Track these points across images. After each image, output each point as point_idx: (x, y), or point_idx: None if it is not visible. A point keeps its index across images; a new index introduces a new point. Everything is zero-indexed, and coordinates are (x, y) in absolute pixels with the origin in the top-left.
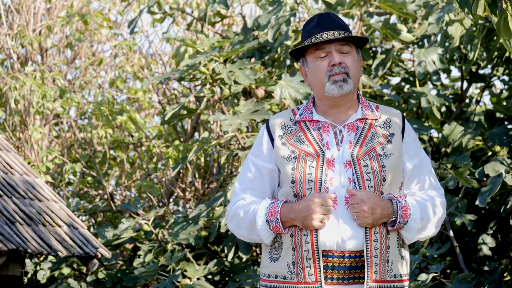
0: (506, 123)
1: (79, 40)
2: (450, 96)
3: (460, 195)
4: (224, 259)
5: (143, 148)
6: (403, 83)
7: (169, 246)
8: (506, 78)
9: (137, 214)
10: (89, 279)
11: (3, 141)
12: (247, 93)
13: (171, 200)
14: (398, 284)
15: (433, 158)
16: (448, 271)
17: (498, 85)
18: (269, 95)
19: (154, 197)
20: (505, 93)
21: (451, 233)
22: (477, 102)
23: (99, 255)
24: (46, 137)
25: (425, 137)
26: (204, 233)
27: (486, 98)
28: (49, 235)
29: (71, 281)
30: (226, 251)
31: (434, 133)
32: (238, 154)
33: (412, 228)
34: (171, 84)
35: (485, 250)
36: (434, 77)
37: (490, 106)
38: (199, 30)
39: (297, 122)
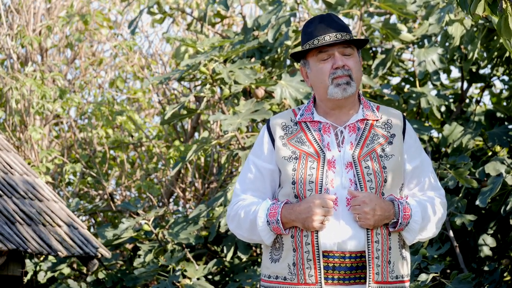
0: (506, 123)
1: (79, 40)
2: (450, 96)
3: (460, 195)
4: (224, 259)
5: (143, 148)
6: (403, 83)
7: (169, 246)
8: (506, 78)
9: (137, 214)
10: (89, 279)
11: (3, 141)
12: (247, 93)
13: (171, 200)
14: (400, 285)
15: (433, 158)
16: (448, 271)
17: (498, 85)
18: (269, 95)
19: (154, 197)
20: (505, 93)
21: (451, 233)
22: (477, 102)
23: (99, 255)
24: (46, 137)
25: (425, 137)
26: (204, 233)
27: (486, 98)
28: (49, 235)
29: (70, 281)
30: (225, 251)
31: (434, 133)
32: (238, 154)
33: (413, 229)
34: (171, 84)
35: (486, 251)
36: (434, 77)
37: (490, 106)
38: (199, 30)
39: (297, 123)
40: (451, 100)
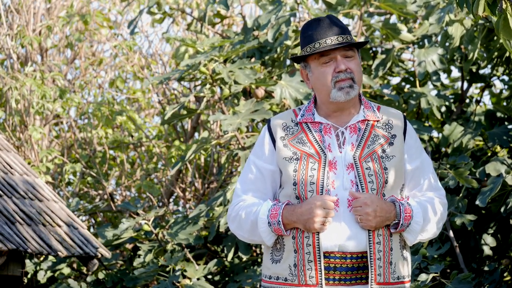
0: (506, 123)
1: (79, 40)
2: (450, 96)
3: (460, 195)
4: (224, 259)
5: (143, 148)
6: (403, 83)
7: (169, 246)
8: (506, 78)
9: (137, 214)
10: (89, 279)
11: (3, 141)
12: (247, 93)
13: (171, 200)
14: (401, 285)
15: (433, 158)
16: (448, 271)
17: (498, 85)
18: (269, 95)
19: (154, 197)
20: (505, 93)
21: (451, 233)
22: (477, 102)
23: (99, 255)
24: (46, 137)
25: (425, 137)
26: (204, 233)
27: (486, 98)
28: (49, 235)
29: (71, 281)
30: (226, 251)
31: (434, 133)
32: (238, 154)
33: (414, 230)
34: (171, 84)
35: (487, 251)
36: (434, 78)
37: (490, 106)
38: (199, 30)
39: (298, 123)
40: (451, 100)
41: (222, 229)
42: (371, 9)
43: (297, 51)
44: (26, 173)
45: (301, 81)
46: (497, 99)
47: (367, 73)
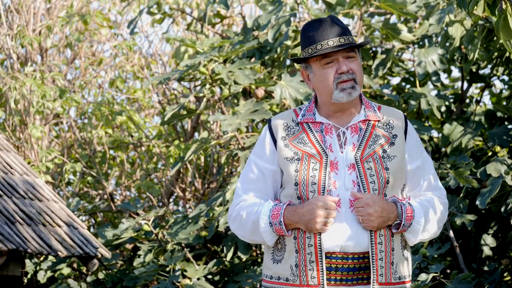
0: (506, 123)
1: (79, 40)
2: (450, 96)
3: (461, 195)
4: (224, 259)
5: (143, 148)
6: (403, 83)
7: (169, 246)
8: (506, 78)
9: (137, 214)
10: (89, 279)
11: (3, 141)
12: (247, 93)
13: (171, 200)
14: (402, 285)
15: (433, 158)
16: (448, 271)
17: (498, 85)
18: (269, 95)
19: (154, 197)
20: (505, 93)
21: (451, 233)
22: (477, 102)
23: (99, 255)
24: (46, 136)
25: (425, 137)
26: (204, 233)
27: (486, 98)
28: (49, 235)
29: (71, 281)
30: (225, 251)
31: (434, 133)
32: (238, 154)
33: (416, 230)
34: (171, 84)
35: (487, 251)
36: (434, 78)
37: (490, 106)
38: (199, 30)
39: (299, 123)
40: (451, 100)
41: (221, 229)
42: (371, 9)
43: (297, 51)
44: (26, 173)
45: (301, 81)
46: (497, 99)
47: (367, 73)
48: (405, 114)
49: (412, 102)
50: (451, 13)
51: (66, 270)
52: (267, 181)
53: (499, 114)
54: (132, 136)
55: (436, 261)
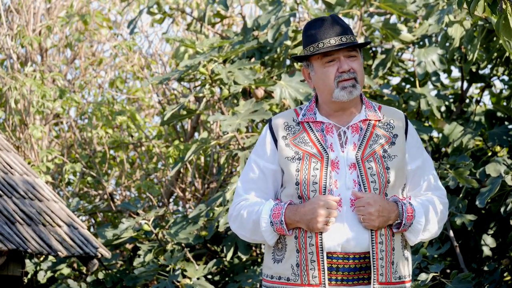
0: (506, 123)
1: (79, 40)
2: (450, 96)
3: (460, 195)
4: (224, 259)
5: (143, 148)
6: (403, 83)
7: (169, 246)
8: (506, 78)
9: (137, 214)
10: (89, 279)
11: (3, 141)
12: (247, 93)
13: (171, 200)
14: (402, 285)
15: (433, 158)
16: (448, 271)
17: (498, 85)
18: (269, 95)
19: (154, 197)
20: (505, 93)
21: (451, 233)
22: (477, 102)
23: (99, 255)
24: (46, 136)
25: (425, 137)
26: (204, 233)
27: (486, 98)
28: (49, 235)
29: (70, 281)
30: (225, 251)
31: (434, 133)
32: (238, 154)
33: (416, 229)
34: (171, 84)
35: (487, 251)
36: (434, 78)
37: (490, 106)
38: (198, 30)
39: (300, 123)
40: (451, 100)
41: (221, 229)
42: (371, 9)
43: (297, 51)
44: (26, 173)
45: (301, 81)
46: (497, 99)
47: (367, 73)
48: (405, 114)
49: (412, 102)
50: (450, 13)
51: (66, 270)
52: (268, 180)
53: (499, 114)
54: (132, 136)
55: (436, 261)
